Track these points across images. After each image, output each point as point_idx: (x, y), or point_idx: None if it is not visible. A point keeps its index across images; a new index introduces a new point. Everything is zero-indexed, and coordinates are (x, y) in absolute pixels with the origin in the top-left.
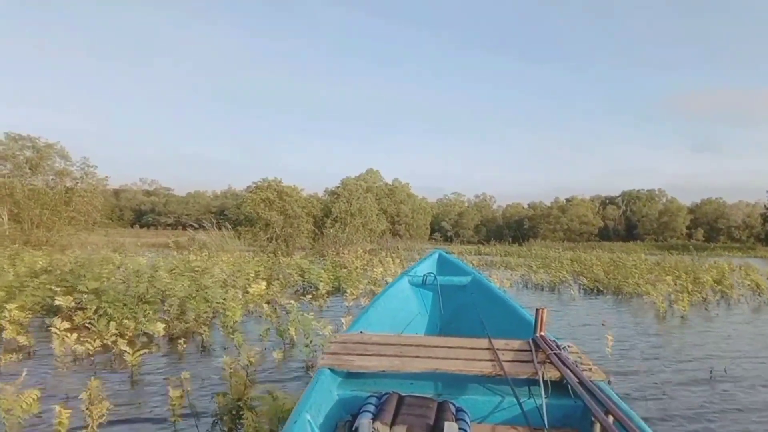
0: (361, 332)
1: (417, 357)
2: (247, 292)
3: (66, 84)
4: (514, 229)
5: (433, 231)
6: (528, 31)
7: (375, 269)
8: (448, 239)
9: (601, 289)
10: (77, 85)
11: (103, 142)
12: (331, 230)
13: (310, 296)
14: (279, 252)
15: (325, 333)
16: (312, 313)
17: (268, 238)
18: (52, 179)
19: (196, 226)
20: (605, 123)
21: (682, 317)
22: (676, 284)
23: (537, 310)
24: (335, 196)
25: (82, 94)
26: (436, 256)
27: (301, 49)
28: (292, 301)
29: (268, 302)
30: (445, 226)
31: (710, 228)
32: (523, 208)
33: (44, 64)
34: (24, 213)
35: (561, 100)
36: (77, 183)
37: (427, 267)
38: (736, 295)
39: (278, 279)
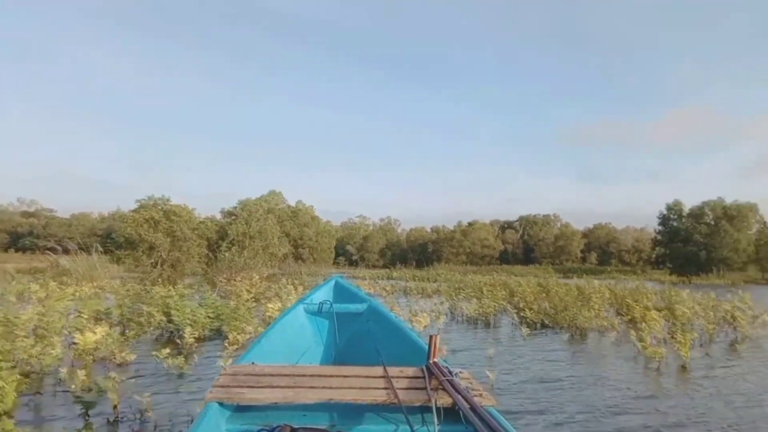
0: (252, 363)
1: (311, 387)
2: (75, 344)
3: None
4: (418, 252)
5: (337, 255)
6: (430, 61)
7: (270, 303)
8: (353, 263)
9: (547, 323)
10: None
11: None
12: (227, 254)
13: (170, 349)
14: (162, 279)
15: None
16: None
17: (152, 263)
18: None
19: (59, 248)
20: (504, 152)
21: (683, 367)
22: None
23: (430, 336)
24: (233, 217)
25: None
26: (333, 283)
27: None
28: (113, 374)
29: (99, 359)
30: (350, 249)
31: (602, 252)
32: (427, 231)
33: None
34: None
35: (465, 132)
36: None
37: (323, 294)
38: (710, 329)
39: (134, 320)
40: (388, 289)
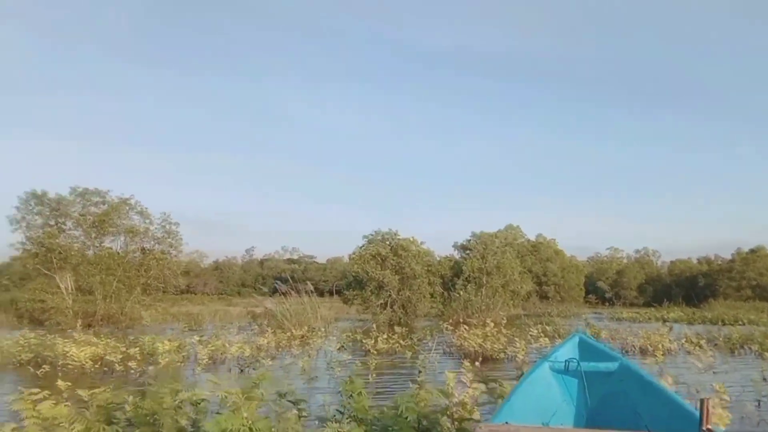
0: (506, 423)
1: None
2: None
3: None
4: (685, 287)
5: (587, 292)
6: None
7: None
8: (606, 301)
9: None
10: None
11: (251, 216)
12: (461, 293)
13: None
14: (392, 322)
15: None
16: None
17: (381, 304)
18: (124, 240)
19: (265, 290)
20: None
21: None
22: None
23: (701, 400)
24: (467, 251)
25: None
26: (577, 339)
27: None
28: None
29: None
30: (602, 286)
31: None
32: (693, 263)
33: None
34: (92, 281)
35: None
36: (155, 244)
37: (567, 351)
38: None
39: None
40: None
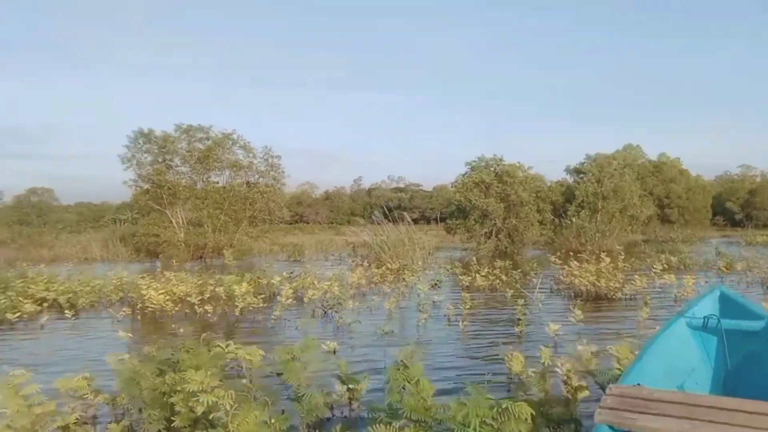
0: (638, 385)
1: (710, 422)
2: None
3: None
4: None
5: (714, 214)
6: None
7: None
8: (735, 224)
9: None
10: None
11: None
12: (574, 219)
13: None
14: (498, 251)
15: None
16: None
17: (486, 234)
18: (229, 174)
19: (361, 221)
20: None
21: None
22: None
23: None
24: (580, 175)
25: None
26: (717, 293)
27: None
28: None
29: None
30: (731, 207)
31: None
32: None
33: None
34: (201, 214)
35: None
36: (259, 178)
37: (707, 307)
38: None
39: None
40: None
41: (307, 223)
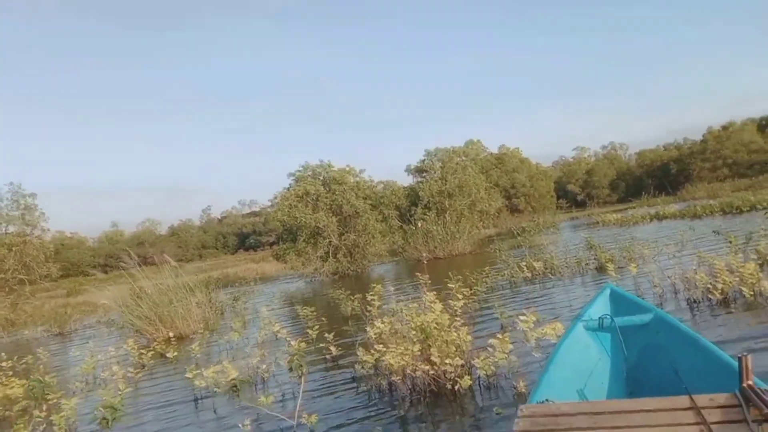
0: (546, 401)
1: (615, 428)
2: None
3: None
4: (658, 177)
5: (558, 198)
6: None
7: None
8: (579, 204)
9: None
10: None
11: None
12: (419, 223)
13: None
14: (341, 273)
15: None
16: None
17: (321, 256)
18: None
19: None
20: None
21: None
22: None
23: (740, 357)
24: (422, 174)
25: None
26: (608, 292)
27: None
28: None
29: None
30: (572, 189)
31: None
32: (662, 151)
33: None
34: None
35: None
36: (7, 226)
37: (600, 307)
38: None
39: None
40: None
41: (154, 264)
